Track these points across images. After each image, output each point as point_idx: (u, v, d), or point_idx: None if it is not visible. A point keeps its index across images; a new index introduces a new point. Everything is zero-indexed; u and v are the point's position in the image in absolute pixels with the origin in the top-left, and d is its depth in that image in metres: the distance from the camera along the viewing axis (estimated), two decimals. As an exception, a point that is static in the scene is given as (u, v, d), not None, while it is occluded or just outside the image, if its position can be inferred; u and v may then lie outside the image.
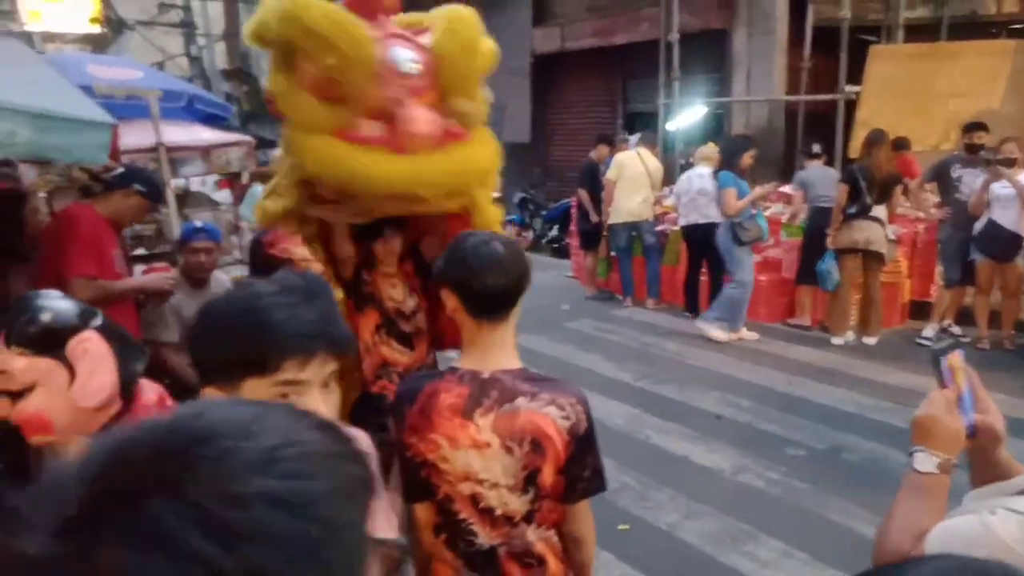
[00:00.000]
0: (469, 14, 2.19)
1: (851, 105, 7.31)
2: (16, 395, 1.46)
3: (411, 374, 1.68)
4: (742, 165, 5.86)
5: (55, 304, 1.51)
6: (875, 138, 5.63)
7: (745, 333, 6.10)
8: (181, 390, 3.62)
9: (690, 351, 5.97)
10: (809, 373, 5.33)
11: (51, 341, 1.61)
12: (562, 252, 9.57)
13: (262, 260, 3.35)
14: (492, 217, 2.36)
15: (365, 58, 1.94)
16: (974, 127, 5.71)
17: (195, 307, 3.62)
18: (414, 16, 2.31)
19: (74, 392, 1.59)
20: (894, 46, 7.36)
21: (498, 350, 1.53)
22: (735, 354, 5.82)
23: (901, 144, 6.37)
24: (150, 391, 1.63)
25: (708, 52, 9.01)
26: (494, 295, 1.51)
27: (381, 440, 1.46)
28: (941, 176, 5.82)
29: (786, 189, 6.85)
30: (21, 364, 1.54)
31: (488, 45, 2.28)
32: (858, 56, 7.29)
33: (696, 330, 6.35)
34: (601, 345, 6.18)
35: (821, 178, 6.10)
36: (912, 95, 6.92)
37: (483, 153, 2.28)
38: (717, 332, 6.08)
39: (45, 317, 1.61)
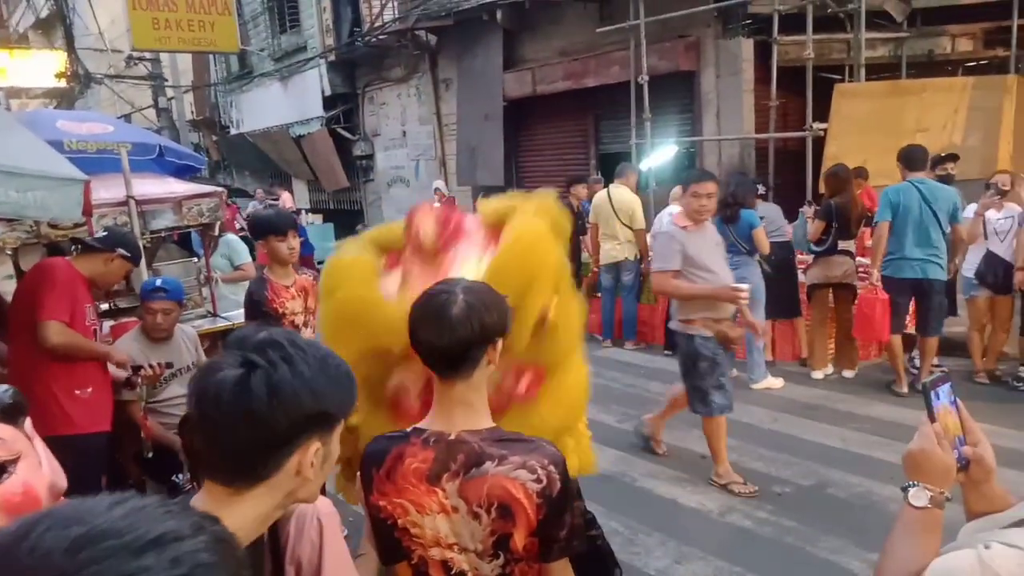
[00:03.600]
0: (534, 235, 1.97)
1: (819, 141, 7.46)
2: None
3: (378, 435, 1.61)
4: (752, 204, 5.76)
5: None
6: (844, 174, 5.71)
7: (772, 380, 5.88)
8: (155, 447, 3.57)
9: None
10: (792, 409, 5.32)
11: (16, 413, 1.53)
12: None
13: (265, 312, 3.37)
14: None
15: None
16: (945, 158, 5.81)
17: (152, 358, 3.58)
18: (504, 205, 2.12)
19: (49, 469, 1.51)
20: (858, 84, 7.56)
21: (461, 409, 1.48)
22: (717, 391, 5.79)
23: (859, 174, 6.44)
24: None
25: (678, 92, 9.18)
26: (430, 352, 1.47)
27: None
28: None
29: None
30: (9, 432, 1.46)
31: (552, 259, 1.98)
32: (824, 94, 7.47)
33: (675, 369, 6.29)
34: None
35: (773, 214, 6.10)
36: (878, 131, 7.08)
37: (566, 396, 2.00)
38: (773, 380, 5.81)
39: (8, 389, 1.54)
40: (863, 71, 7.62)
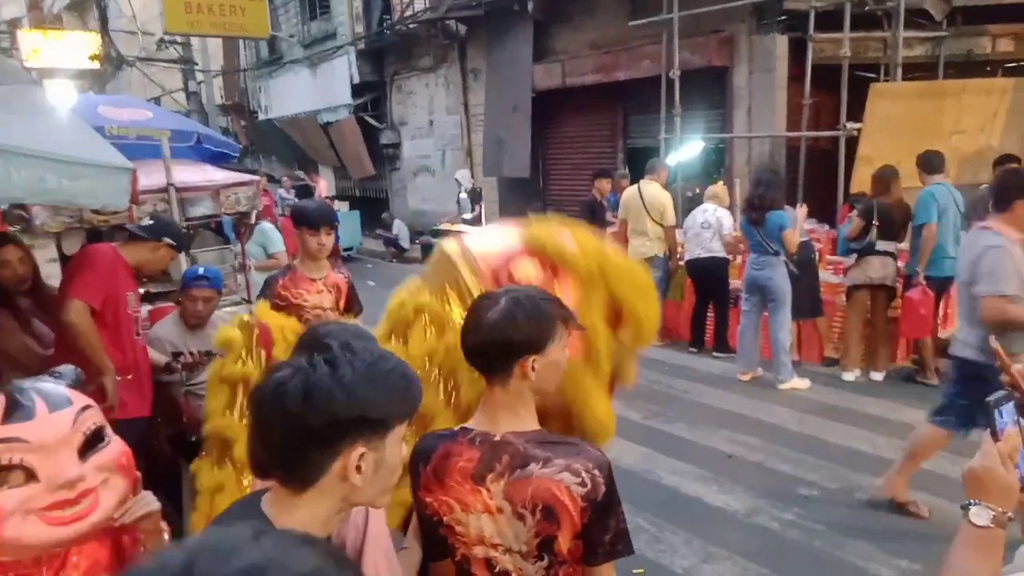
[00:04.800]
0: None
1: (852, 141, 7.38)
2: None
3: (427, 433, 1.64)
4: (780, 204, 5.72)
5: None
6: (890, 175, 5.67)
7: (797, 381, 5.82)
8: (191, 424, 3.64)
9: (698, 388, 5.95)
10: (819, 411, 5.30)
11: (82, 387, 1.58)
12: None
13: (272, 300, 3.36)
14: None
15: None
16: (1006, 159, 5.69)
17: (191, 345, 3.63)
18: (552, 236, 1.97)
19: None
20: (894, 84, 7.45)
21: (506, 411, 1.50)
22: (743, 391, 5.79)
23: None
24: None
25: (709, 88, 9.11)
26: (465, 351, 1.51)
27: None
28: (978, 211, 5.72)
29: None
30: (91, 400, 1.50)
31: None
32: (858, 93, 7.38)
33: (702, 366, 6.33)
34: (608, 382, 6.13)
35: (790, 214, 6.08)
36: (913, 132, 6.98)
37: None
38: (799, 381, 5.77)
39: (73, 367, 1.59)
40: (900, 70, 7.51)
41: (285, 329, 2.44)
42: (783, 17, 8.13)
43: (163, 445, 3.75)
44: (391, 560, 1.61)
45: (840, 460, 4.49)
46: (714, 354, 6.75)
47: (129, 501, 1.50)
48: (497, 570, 1.48)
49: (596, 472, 1.44)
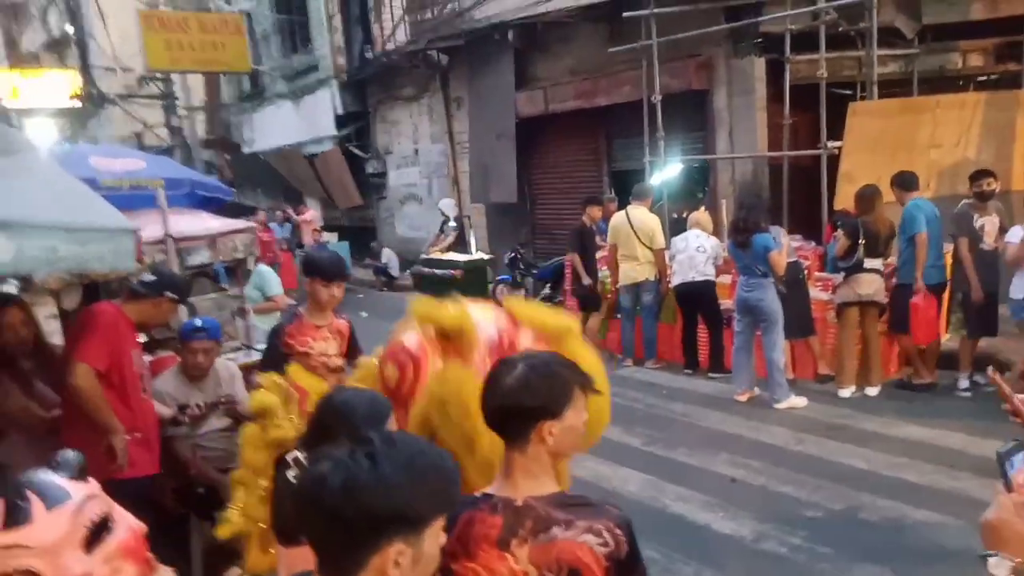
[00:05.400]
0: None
1: (833, 159, 7.52)
2: None
3: None
4: (765, 227, 5.82)
5: None
6: (873, 193, 5.80)
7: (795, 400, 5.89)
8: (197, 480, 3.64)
9: (696, 411, 6.00)
10: (817, 430, 5.37)
11: (84, 473, 1.60)
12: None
13: (281, 349, 3.40)
14: None
15: None
16: (982, 174, 5.74)
17: (194, 398, 3.65)
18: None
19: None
20: (872, 102, 7.62)
21: (523, 475, 1.52)
22: (741, 412, 5.85)
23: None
24: None
25: (691, 111, 9.26)
26: (491, 418, 1.54)
27: None
28: (961, 226, 5.78)
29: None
30: (95, 488, 1.52)
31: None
32: (836, 111, 7.54)
33: (698, 387, 6.40)
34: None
35: (777, 236, 6.17)
36: (892, 147, 7.14)
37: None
38: (796, 399, 5.83)
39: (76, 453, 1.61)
40: (875, 88, 7.69)
41: (314, 393, 2.58)
42: (759, 40, 8.31)
43: (169, 499, 3.75)
44: None
45: (841, 479, 4.54)
46: (709, 375, 6.81)
47: None
48: None
49: (618, 531, 1.47)
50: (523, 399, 1.48)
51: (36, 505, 1.37)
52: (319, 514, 1.13)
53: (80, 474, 1.53)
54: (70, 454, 1.55)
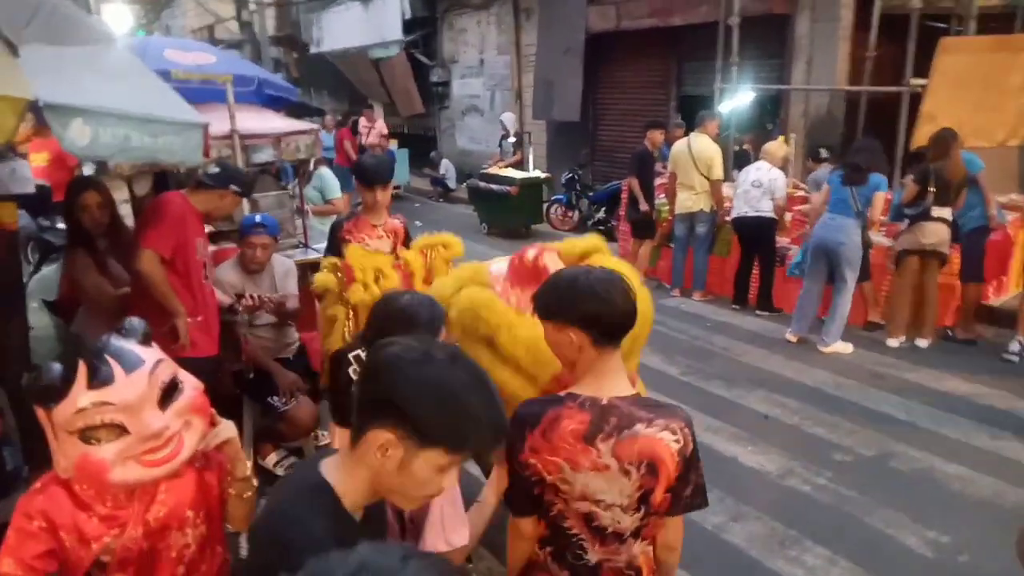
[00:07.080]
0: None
1: (916, 98, 7.12)
2: None
3: (528, 400, 1.82)
4: (881, 169, 5.65)
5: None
6: (950, 137, 5.50)
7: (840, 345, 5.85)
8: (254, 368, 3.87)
9: (738, 347, 6.01)
10: (859, 376, 5.33)
11: (149, 340, 1.75)
12: (608, 235, 9.56)
13: (338, 244, 3.58)
14: None
15: None
16: None
17: (250, 289, 3.88)
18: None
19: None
20: (965, 38, 7.10)
21: (613, 376, 1.65)
22: (784, 352, 5.84)
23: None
24: None
25: (769, 37, 8.82)
26: (624, 318, 1.63)
27: None
28: None
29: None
30: (162, 352, 1.69)
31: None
32: (926, 46, 7.07)
33: (744, 324, 6.38)
34: (650, 336, 6.23)
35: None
36: (981, 89, 6.69)
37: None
38: (842, 345, 5.79)
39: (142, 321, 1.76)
40: (974, 22, 7.16)
41: (366, 268, 3.36)
42: (852, -37, 7.78)
43: (227, 380, 4.00)
44: (457, 505, 1.78)
45: (877, 427, 4.55)
46: (757, 312, 6.77)
47: (209, 433, 1.72)
48: (594, 524, 1.65)
49: (687, 431, 1.62)
50: (634, 308, 1.62)
51: (117, 369, 1.54)
52: (360, 378, 1.28)
53: (145, 340, 1.68)
54: (136, 321, 1.71)
